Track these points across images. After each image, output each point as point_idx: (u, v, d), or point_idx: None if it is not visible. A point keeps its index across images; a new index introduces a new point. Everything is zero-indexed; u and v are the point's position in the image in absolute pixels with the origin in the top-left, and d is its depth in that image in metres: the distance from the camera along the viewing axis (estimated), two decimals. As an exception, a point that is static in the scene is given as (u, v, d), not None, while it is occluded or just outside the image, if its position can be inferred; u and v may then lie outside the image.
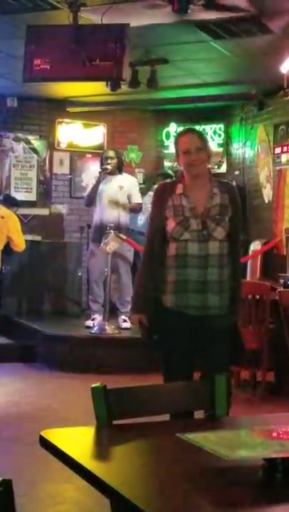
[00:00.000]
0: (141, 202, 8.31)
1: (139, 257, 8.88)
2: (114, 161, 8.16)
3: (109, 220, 7.96)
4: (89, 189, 8.31)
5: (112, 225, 7.84)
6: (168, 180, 4.28)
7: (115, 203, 8.06)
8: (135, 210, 8.32)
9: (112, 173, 8.13)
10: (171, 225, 3.91)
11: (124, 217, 8.17)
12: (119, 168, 8.23)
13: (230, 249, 3.97)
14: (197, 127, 10.34)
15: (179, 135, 4.09)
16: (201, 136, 4.04)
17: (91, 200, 8.19)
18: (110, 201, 8.04)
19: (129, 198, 8.16)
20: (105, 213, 8.04)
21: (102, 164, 8.23)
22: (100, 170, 8.14)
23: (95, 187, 8.09)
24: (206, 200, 3.92)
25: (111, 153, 8.28)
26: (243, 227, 4.50)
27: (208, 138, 10.28)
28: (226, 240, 3.92)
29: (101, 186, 8.12)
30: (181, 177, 4.02)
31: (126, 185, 8.17)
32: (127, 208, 8.18)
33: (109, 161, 8.14)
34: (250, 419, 3.09)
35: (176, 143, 4.03)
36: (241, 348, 4.10)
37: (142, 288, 4.12)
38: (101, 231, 7.98)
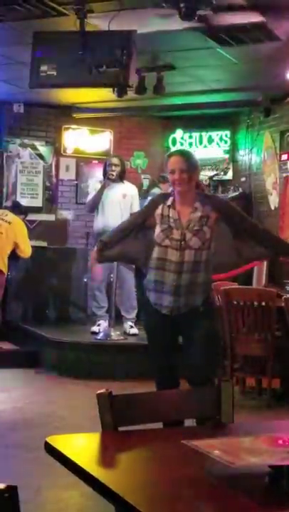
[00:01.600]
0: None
1: None
2: (118, 168, 8.17)
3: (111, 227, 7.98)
4: (91, 196, 8.32)
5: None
6: (166, 192, 4.81)
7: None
8: None
9: (114, 180, 8.14)
10: (157, 230, 4.47)
11: None
12: (121, 176, 8.23)
13: (251, 233, 4.58)
14: (203, 133, 10.41)
15: (168, 156, 4.67)
16: (186, 159, 4.49)
17: (94, 206, 8.20)
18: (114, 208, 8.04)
19: (130, 206, 8.17)
20: (109, 220, 8.04)
21: (105, 171, 8.24)
22: (107, 176, 8.14)
23: (100, 193, 8.10)
24: (189, 214, 4.44)
25: (115, 161, 8.28)
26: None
27: (214, 144, 10.33)
28: (202, 249, 4.42)
29: (104, 193, 8.14)
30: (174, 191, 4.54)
31: (128, 194, 8.18)
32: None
33: (113, 167, 8.14)
34: (256, 426, 3.08)
35: (166, 162, 4.61)
36: (215, 340, 4.90)
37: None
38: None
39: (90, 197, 8.39)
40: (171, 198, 4.50)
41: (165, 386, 4.46)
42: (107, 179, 8.11)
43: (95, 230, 8.33)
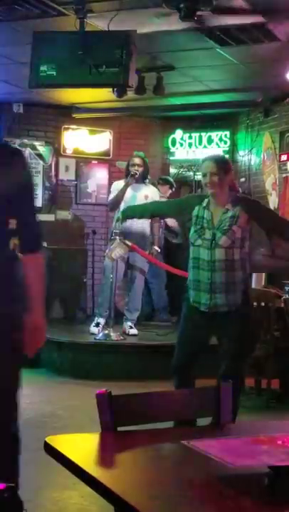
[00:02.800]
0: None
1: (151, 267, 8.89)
2: (142, 168, 8.09)
3: (132, 228, 7.91)
4: (113, 194, 8.16)
5: (118, 231, 7.79)
6: (201, 193, 5.15)
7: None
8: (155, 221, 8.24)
9: (137, 180, 8.04)
10: (191, 231, 4.77)
11: (147, 227, 8.13)
12: (144, 177, 8.16)
13: (282, 231, 4.94)
14: (203, 134, 10.41)
15: (202, 161, 4.92)
16: (217, 163, 4.74)
17: (117, 204, 8.01)
18: None
19: None
20: (128, 220, 7.96)
21: (127, 170, 8.14)
22: (131, 174, 8.00)
23: (122, 192, 7.95)
24: (221, 215, 4.70)
25: (137, 161, 8.15)
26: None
27: (214, 145, 10.33)
28: (234, 247, 4.65)
29: (128, 193, 8.04)
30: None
31: (150, 196, 8.08)
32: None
33: (136, 167, 8.06)
34: (255, 426, 3.08)
35: (199, 167, 4.96)
36: (251, 338, 5.07)
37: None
38: (123, 236, 7.86)
39: (111, 196, 8.24)
40: (206, 200, 4.77)
41: (181, 379, 4.77)
42: (131, 177, 7.96)
43: (112, 229, 8.20)
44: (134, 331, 8.22)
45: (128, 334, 8.19)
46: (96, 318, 8.30)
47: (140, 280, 8.33)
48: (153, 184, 9.58)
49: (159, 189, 9.20)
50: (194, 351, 4.83)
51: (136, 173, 7.93)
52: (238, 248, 4.66)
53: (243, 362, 4.94)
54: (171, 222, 8.72)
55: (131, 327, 8.28)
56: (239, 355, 4.81)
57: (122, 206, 7.82)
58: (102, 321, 8.21)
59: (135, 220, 7.88)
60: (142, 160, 8.18)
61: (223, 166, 4.76)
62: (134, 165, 8.06)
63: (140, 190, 8.07)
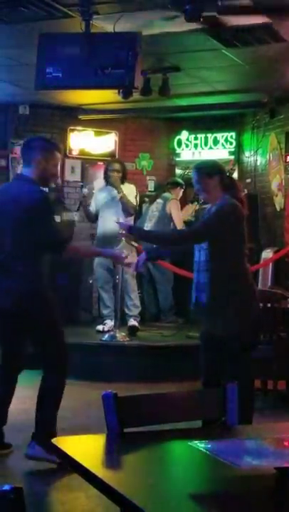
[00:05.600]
0: (134, 205, 8.17)
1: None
2: (120, 174, 8.11)
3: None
4: (93, 204, 8.24)
5: (124, 232, 7.78)
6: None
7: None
8: (127, 211, 8.14)
9: (113, 184, 8.08)
10: None
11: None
12: (122, 180, 8.17)
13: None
14: (209, 135, 10.41)
15: None
16: (197, 171, 4.83)
17: (92, 218, 8.26)
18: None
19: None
20: (107, 225, 7.97)
21: (106, 174, 8.20)
22: (108, 180, 8.12)
23: (89, 215, 8.27)
24: None
25: (116, 166, 8.22)
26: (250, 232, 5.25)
27: (220, 146, 10.33)
28: (208, 249, 4.68)
29: (101, 198, 8.13)
30: None
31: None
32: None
33: (115, 173, 8.09)
34: (262, 428, 3.08)
35: None
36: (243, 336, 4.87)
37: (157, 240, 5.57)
38: (104, 242, 7.95)
39: (93, 205, 8.32)
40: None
41: (208, 375, 4.82)
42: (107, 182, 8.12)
43: (97, 235, 8.36)
44: (134, 323, 8.28)
45: (130, 326, 8.23)
46: (104, 319, 8.40)
47: (130, 276, 8.35)
48: (162, 187, 9.59)
49: (171, 193, 9.20)
50: (213, 352, 4.82)
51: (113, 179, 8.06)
52: (211, 250, 4.70)
53: (241, 361, 4.90)
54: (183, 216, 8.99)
55: (134, 319, 8.35)
56: (235, 356, 4.80)
57: (100, 213, 8.14)
58: (108, 321, 8.27)
59: (110, 223, 7.91)
60: (120, 165, 8.25)
61: (205, 171, 4.80)
62: (113, 170, 8.12)
63: (110, 193, 8.09)
